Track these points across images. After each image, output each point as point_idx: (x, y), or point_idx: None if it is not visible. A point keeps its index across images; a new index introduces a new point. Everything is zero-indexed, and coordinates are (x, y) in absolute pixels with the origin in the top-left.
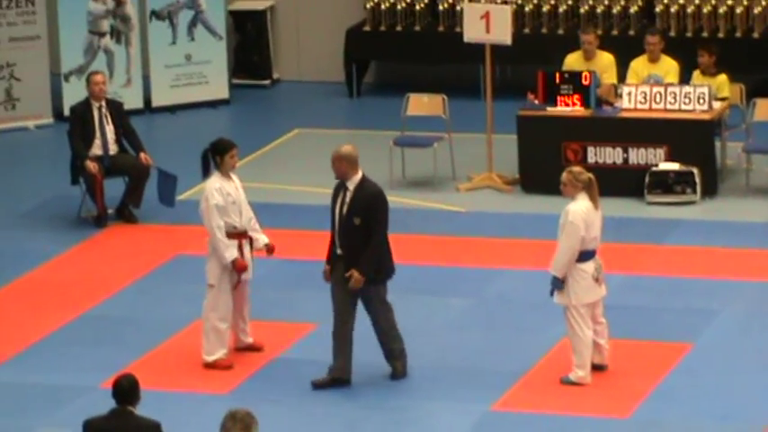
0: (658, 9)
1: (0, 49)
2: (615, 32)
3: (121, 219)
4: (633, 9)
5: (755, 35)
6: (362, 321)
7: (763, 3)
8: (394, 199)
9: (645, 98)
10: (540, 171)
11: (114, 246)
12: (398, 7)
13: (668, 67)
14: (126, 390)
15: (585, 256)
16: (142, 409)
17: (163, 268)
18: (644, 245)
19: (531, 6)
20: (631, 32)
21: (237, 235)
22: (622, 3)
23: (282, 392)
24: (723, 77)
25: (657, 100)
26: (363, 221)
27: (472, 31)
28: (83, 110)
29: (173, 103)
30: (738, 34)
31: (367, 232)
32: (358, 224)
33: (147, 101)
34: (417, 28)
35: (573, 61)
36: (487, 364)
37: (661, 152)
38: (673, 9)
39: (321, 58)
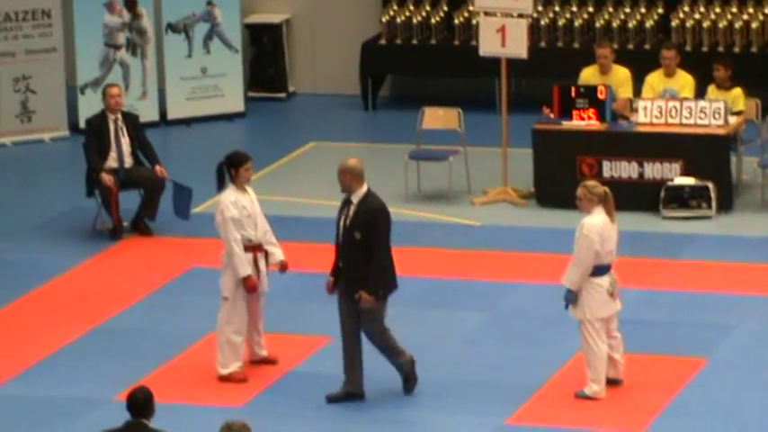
0: (674, 23)
1: (16, 61)
2: (631, 46)
3: (136, 231)
4: (649, 23)
5: None
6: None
7: None
8: (409, 212)
9: (660, 112)
10: (555, 185)
11: (129, 258)
12: (414, 21)
13: (684, 81)
14: (140, 403)
15: (601, 270)
16: (156, 422)
17: (178, 281)
18: (659, 259)
19: (546, 20)
20: (647, 47)
21: (252, 248)
22: (638, 17)
23: (297, 406)
24: (738, 91)
25: (673, 114)
26: (364, 236)
27: (488, 45)
28: (98, 122)
29: (188, 115)
30: (754, 49)
31: (368, 247)
32: (359, 239)
33: (163, 113)
34: (433, 41)
35: (588, 75)
36: (502, 378)
37: (676, 167)
38: (689, 23)
39: (337, 72)
